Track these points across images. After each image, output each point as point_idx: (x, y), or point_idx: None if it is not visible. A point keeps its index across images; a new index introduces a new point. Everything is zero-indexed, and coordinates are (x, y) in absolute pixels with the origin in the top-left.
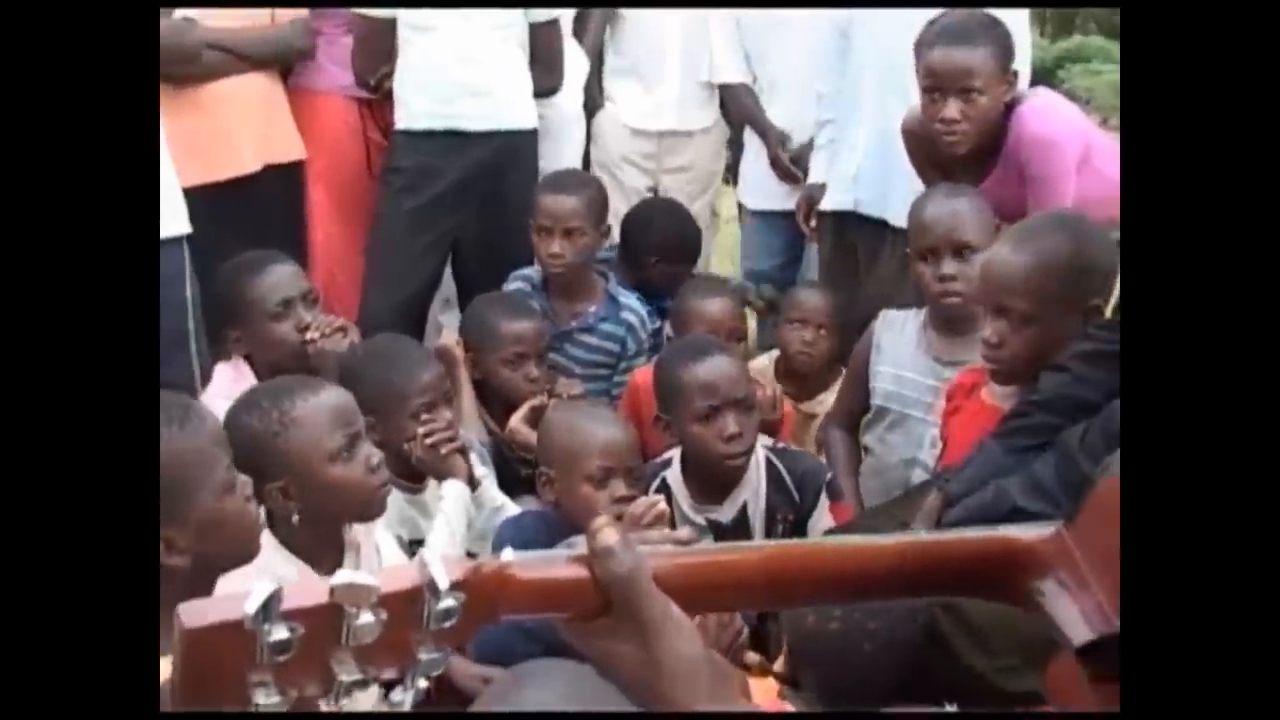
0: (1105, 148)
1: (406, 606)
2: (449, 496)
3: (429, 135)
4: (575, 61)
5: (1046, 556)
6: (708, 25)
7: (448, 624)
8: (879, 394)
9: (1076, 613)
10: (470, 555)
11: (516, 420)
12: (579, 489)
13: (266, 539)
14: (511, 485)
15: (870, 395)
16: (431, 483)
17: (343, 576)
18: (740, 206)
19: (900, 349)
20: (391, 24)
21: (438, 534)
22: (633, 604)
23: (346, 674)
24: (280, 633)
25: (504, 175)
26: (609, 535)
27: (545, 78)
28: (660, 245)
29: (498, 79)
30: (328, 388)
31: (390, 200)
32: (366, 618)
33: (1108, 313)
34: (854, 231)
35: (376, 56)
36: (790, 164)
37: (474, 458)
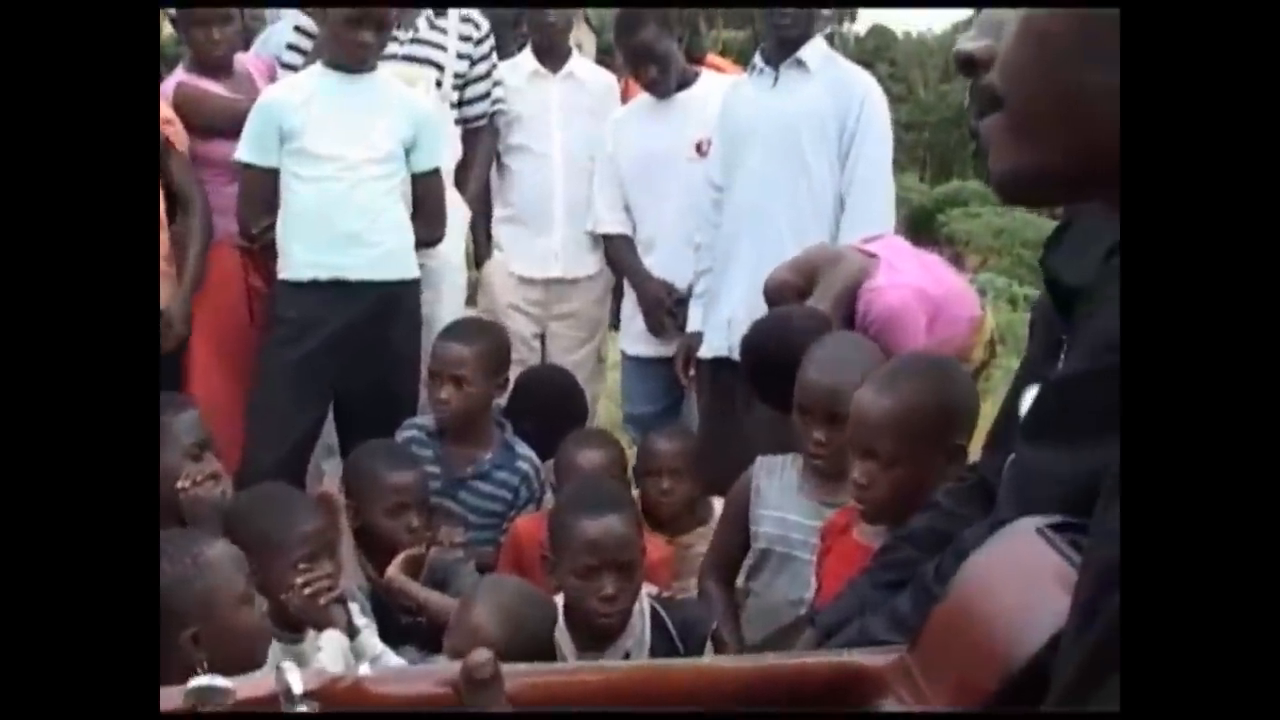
0: (955, 291)
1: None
2: (327, 646)
3: (313, 285)
4: (457, 210)
5: (887, 678)
6: (591, 176)
7: None
8: (762, 538)
9: None
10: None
11: (394, 570)
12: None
13: None
14: (392, 634)
15: (751, 540)
16: (311, 632)
17: (200, 680)
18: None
19: (782, 493)
20: (274, 174)
21: None
22: None
23: None
24: None
25: (387, 325)
26: (483, 666)
27: (428, 229)
28: (546, 414)
29: (381, 229)
30: (220, 538)
31: (273, 351)
32: None
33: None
34: (731, 377)
35: (260, 206)
36: (668, 314)
37: (354, 607)
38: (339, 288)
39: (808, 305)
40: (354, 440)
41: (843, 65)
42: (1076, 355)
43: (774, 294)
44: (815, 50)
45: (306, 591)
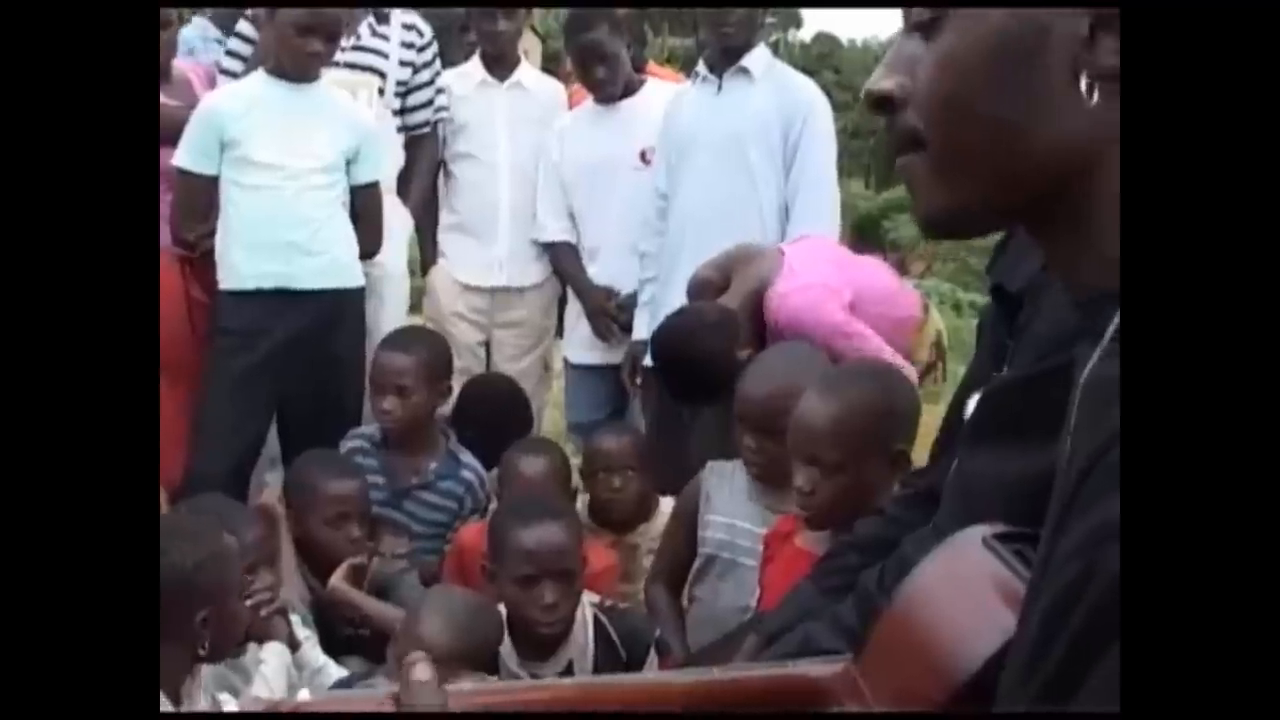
0: (880, 289)
1: None
2: (269, 659)
3: (256, 295)
4: (400, 219)
5: (833, 688)
6: (536, 185)
7: None
8: (710, 543)
9: None
10: None
11: (336, 579)
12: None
13: None
14: (336, 646)
15: (700, 546)
16: (252, 646)
17: None
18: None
19: (731, 498)
20: (213, 181)
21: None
22: None
23: None
24: None
25: (332, 334)
26: (423, 672)
27: (367, 240)
28: (490, 423)
29: (326, 238)
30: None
31: (218, 361)
32: None
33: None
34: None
35: (195, 214)
36: (612, 319)
37: (295, 619)
38: (283, 296)
39: (716, 303)
40: (299, 451)
41: (787, 73)
42: (1018, 361)
43: (694, 292)
44: (759, 58)
45: (247, 603)
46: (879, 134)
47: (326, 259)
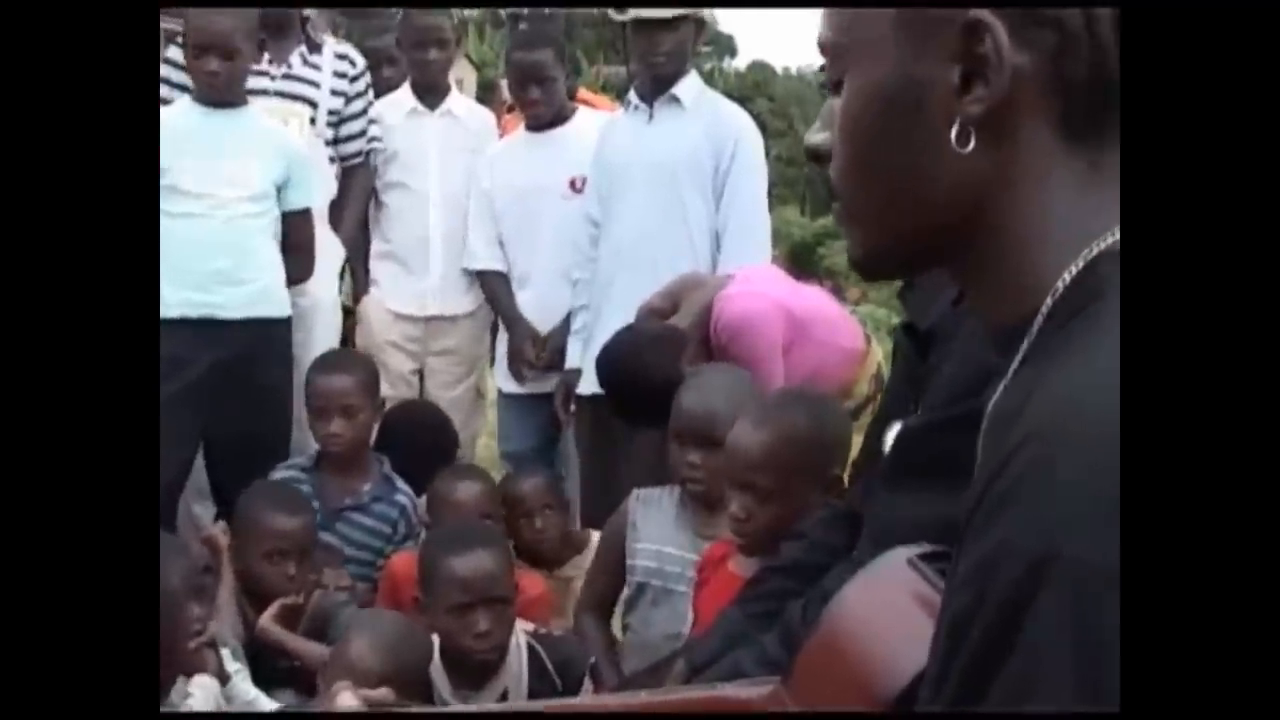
0: (827, 318)
1: None
2: (195, 693)
3: (181, 323)
4: (331, 248)
5: (761, 709)
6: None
7: None
8: (639, 571)
9: None
10: None
11: (266, 619)
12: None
13: None
14: (269, 678)
15: (629, 574)
16: (180, 678)
17: None
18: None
19: (660, 525)
20: None
21: None
22: None
23: None
24: None
25: (257, 364)
26: (347, 699)
27: (297, 267)
28: (414, 450)
29: (253, 267)
30: None
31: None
32: None
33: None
34: (610, 413)
35: None
36: (536, 357)
37: (226, 652)
38: (209, 326)
39: (662, 322)
40: (224, 483)
41: (717, 102)
42: (929, 403)
43: (642, 319)
44: (690, 86)
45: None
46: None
47: (254, 288)
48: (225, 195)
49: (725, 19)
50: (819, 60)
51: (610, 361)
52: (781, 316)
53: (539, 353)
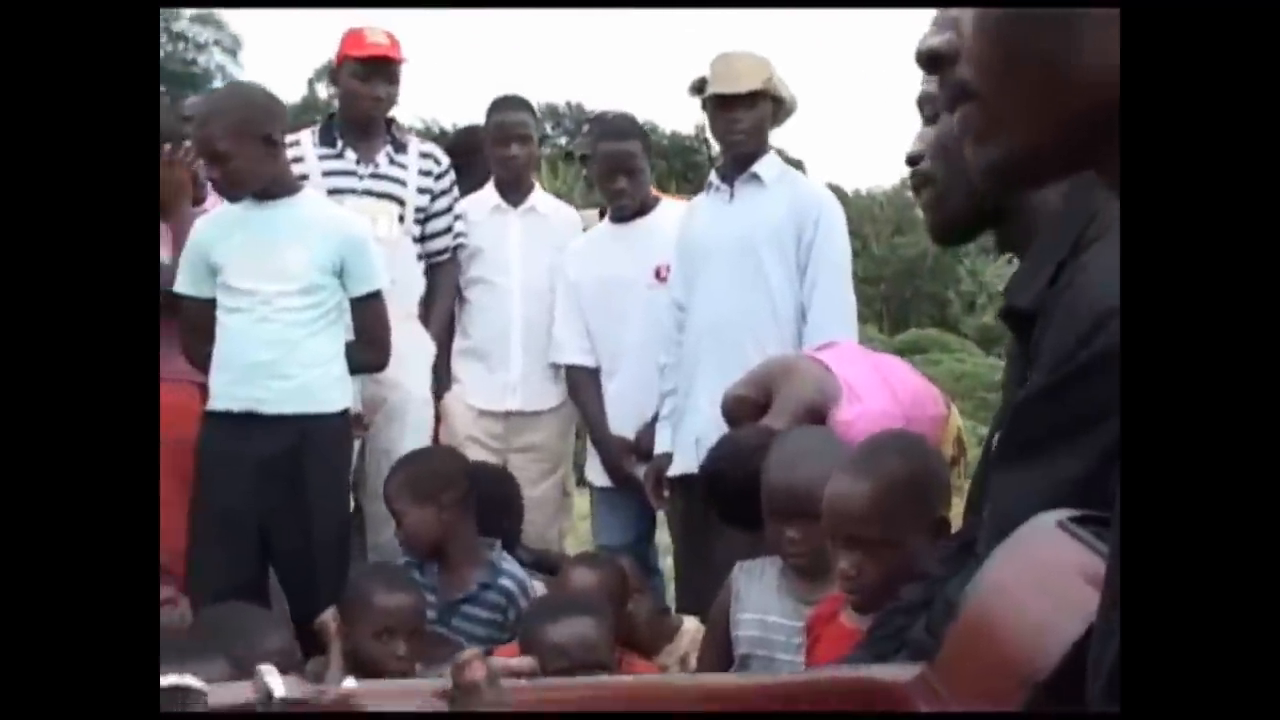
0: (919, 397)
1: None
2: None
3: (226, 417)
4: (422, 344)
5: (909, 692)
6: (551, 309)
7: None
8: (744, 643)
9: None
10: None
11: None
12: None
13: None
14: None
15: (734, 646)
16: None
17: (171, 678)
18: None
19: (762, 594)
20: (210, 303)
21: None
22: None
23: None
24: None
25: (305, 460)
26: (477, 669)
27: (371, 354)
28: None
29: (296, 362)
30: None
31: (199, 482)
32: None
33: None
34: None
35: (200, 337)
36: (627, 474)
37: None
38: (252, 420)
39: (762, 425)
40: (284, 577)
41: (798, 178)
42: (1034, 377)
43: (731, 411)
44: (770, 164)
45: None
46: (889, 280)
47: (296, 384)
48: (267, 290)
49: (795, 144)
50: (889, 181)
51: (714, 470)
52: (892, 421)
53: (632, 460)
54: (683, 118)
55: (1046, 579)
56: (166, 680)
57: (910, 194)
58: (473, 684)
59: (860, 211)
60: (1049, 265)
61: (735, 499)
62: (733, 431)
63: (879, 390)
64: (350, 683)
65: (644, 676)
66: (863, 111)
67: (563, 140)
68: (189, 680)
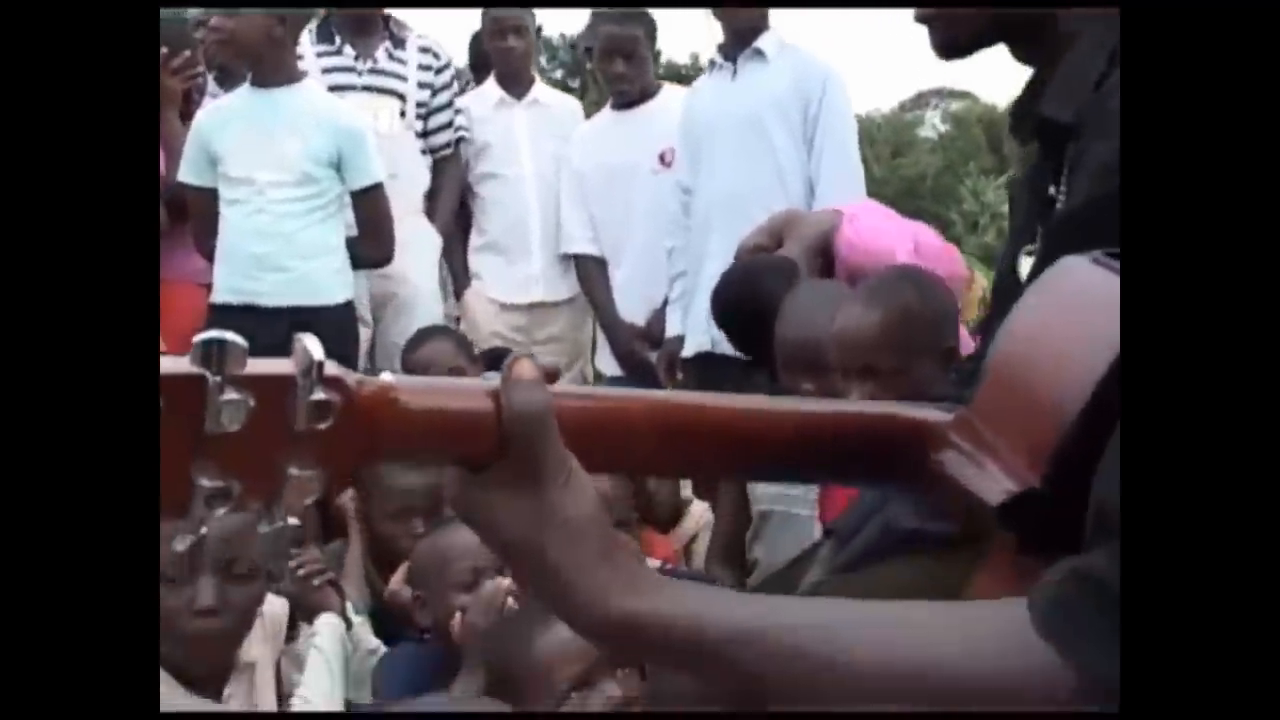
0: (933, 244)
1: (277, 401)
2: (323, 632)
3: (226, 309)
4: (428, 238)
5: (946, 429)
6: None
7: (321, 424)
8: (762, 499)
9: (987, 473)
10: (348, 702)
11: (397, 581)
12: (449, 599)
13: None
14: (392, 642)
15: (752, 504)
16: (303, 630)
17: (210, 334)
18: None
19: None
20: (212, 193)
21: (315, 672)
22: (535, 447)
23: (207, 479)
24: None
25: None
26: (527, 367)
27: (374, 248)
28: None
29: (293, 254)
30: None
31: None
32: (231, 396)
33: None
34: (716, 371)
35: (205, 224)
36: (641, 358)
37: (349, 606)
38: (251, 313)
39: (775, 254)
40: None
41: (801, 51)
42: (1078, 188)
43: (743, 256)
44: (772, 39)
45: (300, 573)
46: (889, 201)
47: (294, 275)
48: (261, 180)
49: None
50: (887, 104)
51: (726, 296)
52: (909, 234)
53: (644, 345)
54: (679, 48)
55: (1080, 309)
56: (205, 334)
57: (908, 116)
58: (523, 380)
59: (859, 134)
60: (1087, 78)
61: (747, 326)
62: (745, 259)
63: (899, 234)
64: (388, 376)
65: (676, 394)
66: (859, 35)
67: (558, 74)
68: (227, 335)
